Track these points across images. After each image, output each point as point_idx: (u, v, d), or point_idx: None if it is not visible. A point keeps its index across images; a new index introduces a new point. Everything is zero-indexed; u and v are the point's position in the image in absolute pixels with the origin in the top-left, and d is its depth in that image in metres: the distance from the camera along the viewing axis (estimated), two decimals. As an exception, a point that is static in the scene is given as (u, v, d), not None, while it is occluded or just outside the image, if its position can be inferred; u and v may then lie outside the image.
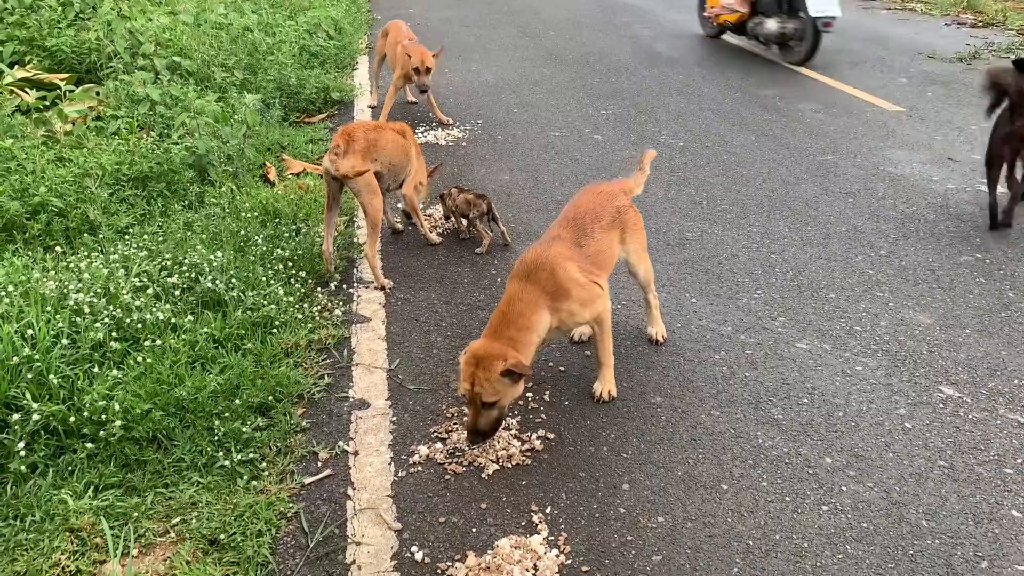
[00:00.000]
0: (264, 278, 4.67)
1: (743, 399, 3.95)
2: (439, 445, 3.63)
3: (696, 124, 8.08)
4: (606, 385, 3.94)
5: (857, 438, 3.68)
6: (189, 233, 5.11)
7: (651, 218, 5.87)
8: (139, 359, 3.79)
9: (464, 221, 5.58)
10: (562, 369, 4.24)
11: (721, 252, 5.43)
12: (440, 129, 7.91)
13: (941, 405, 3.91)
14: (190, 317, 4.16)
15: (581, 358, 4.33)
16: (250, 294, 4.46)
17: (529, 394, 4.00)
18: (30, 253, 4.72)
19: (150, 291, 4.28)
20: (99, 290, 4.17)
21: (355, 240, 5.61)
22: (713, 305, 4.78)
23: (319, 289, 4.95)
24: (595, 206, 3.97)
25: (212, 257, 4.63)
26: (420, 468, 3.51)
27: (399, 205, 5.91)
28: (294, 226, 5.50)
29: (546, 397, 3.99)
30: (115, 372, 3.68)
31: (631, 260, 4.13)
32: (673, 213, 6.04)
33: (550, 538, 3.13)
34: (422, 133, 7.81)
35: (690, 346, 4.38)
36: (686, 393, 4.00)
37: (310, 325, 4.47)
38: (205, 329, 4.08)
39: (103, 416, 3.46)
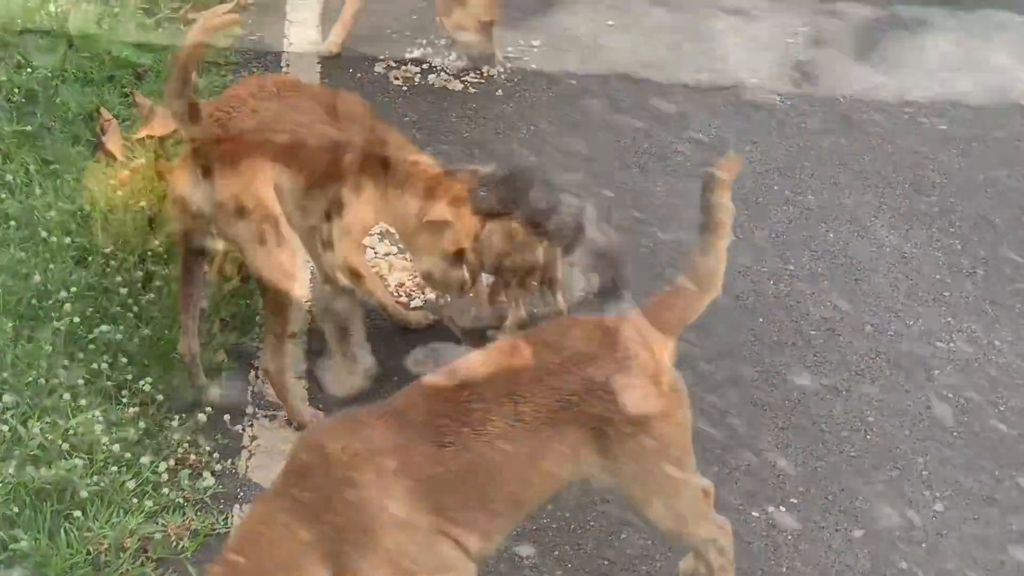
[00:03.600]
0: (68, 392, 2.91)
1: None
2: None
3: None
4: None
5: None
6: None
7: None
8: None
9: (488, 280, 3.28)
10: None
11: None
12: (446, 52, 4.61)
13: None
14: None
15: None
16: (35, 426, 2.85)
17: None
18: None
19: None
20: None
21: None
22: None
23: (176, 418, 2.95)
24: (534, 370, 2.10)
25: (-35, 336, 2.95)
26: None
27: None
28: (140, 268, 3.44)
29: None
30: None
31: (631, 495, 2.21)
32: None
33: None
34: (398, 65, 4.48)
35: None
36: None
37: (150, 502, 2.73)
38: (-72, 504, 2.56)
39: None
